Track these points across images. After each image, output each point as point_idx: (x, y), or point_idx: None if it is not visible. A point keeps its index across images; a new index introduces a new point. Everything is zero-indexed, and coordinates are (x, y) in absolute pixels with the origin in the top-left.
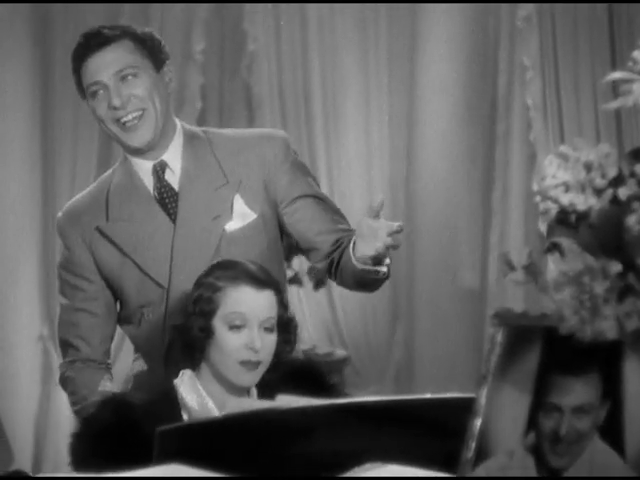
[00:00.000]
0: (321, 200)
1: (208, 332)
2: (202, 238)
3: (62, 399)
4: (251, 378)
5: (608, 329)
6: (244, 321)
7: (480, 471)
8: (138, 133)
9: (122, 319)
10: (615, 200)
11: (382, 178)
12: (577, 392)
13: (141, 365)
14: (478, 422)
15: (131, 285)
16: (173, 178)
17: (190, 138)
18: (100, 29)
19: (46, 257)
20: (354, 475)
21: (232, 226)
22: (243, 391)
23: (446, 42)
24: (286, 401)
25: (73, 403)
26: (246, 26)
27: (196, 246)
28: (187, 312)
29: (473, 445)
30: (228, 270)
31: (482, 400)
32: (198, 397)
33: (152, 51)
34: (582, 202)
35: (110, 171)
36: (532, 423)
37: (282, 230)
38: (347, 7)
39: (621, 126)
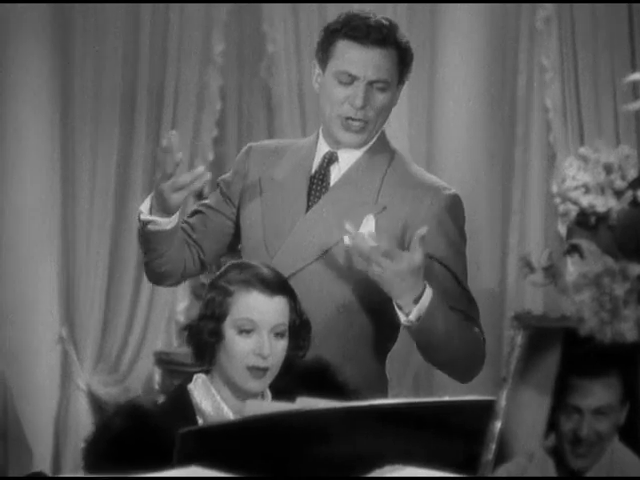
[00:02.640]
0: (453, 276)
1: (218, 336)
2: (319, 236)
3: (81, 400)
4: (259, 385)
5: (628, 331)
6: (254, 326)
7: (500, 473)
8: (348, 137)
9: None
10: (635, 202)
11: None
12: (597, 394)
13: None
14: (498, 424)
15: (250, 248)
16: (335, 173)
17: (377, 149)
18: (381, 24)
19: (65, 259)
20: (374, 476)
21: (349, 241)
22: (253, 396)
23: (465, 44)
24: (306, 403)
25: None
26: (265, 28)
27: (310, 240)
28: (199, 314)
29: (493, 447)
30: (241, 273)
31: (502, 402)
32: (212, 401)
33: (405, 66)
34: (602, 204)
35: (308, 137)
36: (552, 425)
37: None
38: (367, 7)
39: None
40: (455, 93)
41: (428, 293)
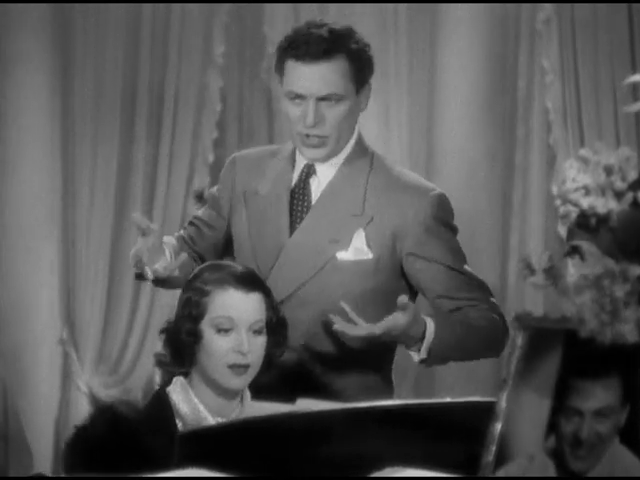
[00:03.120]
0: (449, 269)
1: (196, 336)
2: (311, 254)
3: (82, 401)
4: (241, 382)
5: (628, 332)
6: (232, 324)
7: (501, 474)
8: (314, 152)
9: None
10: (635, 203)
11: None
12: (598, 396)
13: None
14: (498, 426)
15: (241, 257)
16: (315, 186)
17: (355, 157)
18: (324, 36)
19: (66, 261)
20: (374, 477)
21: (344, 256)
22: (235, 394)
23: (466, 45)
24: (306, 405)
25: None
26: (266, 29)
27: (301, 260)
28: (176, 315)
29: (493, 449)
30: (216, 272)
31: (502, 404)
32: (190, 404)
33: (361, 71)
34: (602, 205)
35: (287, 143)
36: (552, 427)
37: (407, 280)
38: (367, 11)
39: None
40: (455, 95)
41: (429, 326)
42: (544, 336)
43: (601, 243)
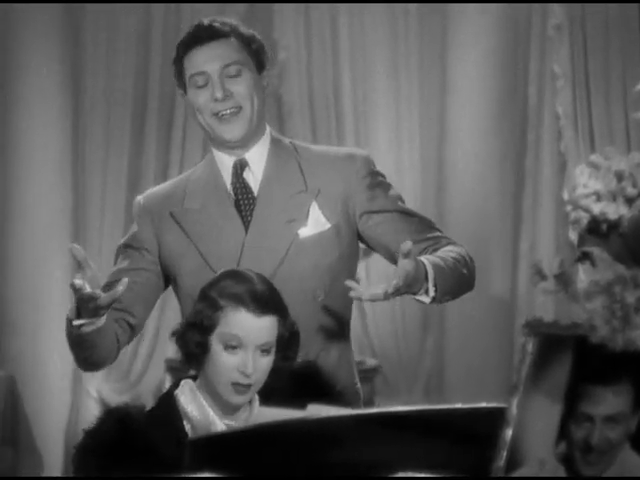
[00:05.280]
0: (404, 214)
1: (204, 348)
2: (273, 240)
3: (92, 407)
4: (241, 399)
5: (639, 338)
6: (239, 343)
7: None
8: (231, 127)
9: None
10: None
11: (413, 187)
12: (608, 402)
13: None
14: (509, 432)
15: (188, 273)
16: (252, 178)
17: (277, 143)
18: (211, 23)
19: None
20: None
21: (305, 232)
22: (236, 409)
23: (477, 51)
24: (317, 411)
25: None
26: (276, 35)
27: (266, 247)
28: (187, 321)
29: (504, 454)
30: (234, 286)
31: (513, 410)
32: (199, 406)
33: (256, 52)
34: (613, 211)
35: (195, 167)
36: (563, 432)
37: (364, 243)
38: (378, 16)
39: None
40: (466, 101)
41: (425, 262)
42: (555, 342)
43: (612, 249)
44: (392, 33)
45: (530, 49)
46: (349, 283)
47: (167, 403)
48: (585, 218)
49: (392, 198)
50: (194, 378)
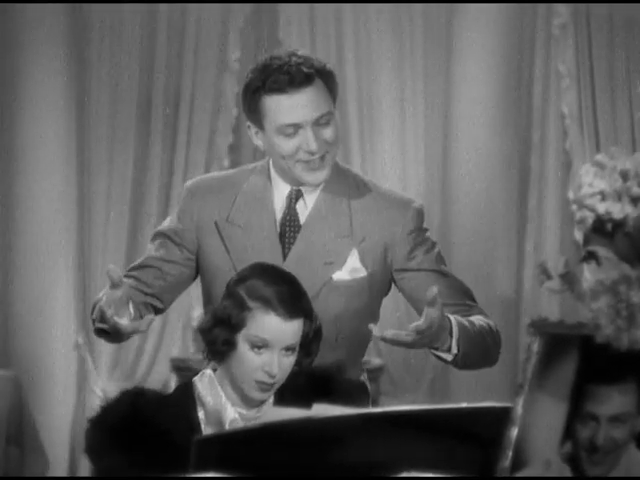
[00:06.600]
0: (440, 274)
1: (231, 345)
2: (308, 278)
3: (97, 405)
4: (264, 395)
5: None
6: (266, 344)
7: None
8: (318, 174)
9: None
10: None
11: (418, 189)
12: (614, 401)
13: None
14: (515, 431)
15: (222, 285)
16: (303, 210)
17: (336, 178)
18: (298, 66)
19: (82, 265)
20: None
21: (340, 276)
22: (257, 402)
23: (482, 50)
24: (322, 410)
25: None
26: (281, 36)
27: None
28: (214, 316)
29: (510, 454)
30: (263, 287)
31: (519, 409)
32: (216, 396)
33: (334, 88)
34: (618, 210)
35: (253, 166)
36: (569, 432)
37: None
38: (383, 18)
39: None
40: (471, 100)
41: (453, 322)
42: (560, 342)
43: (617, 248)
44: (397, 33)
45: (535, 49)
46: (372, 327)
47: (184, 389)
48: (590, 217)
49: (432, 257)
50: (214, 370)
